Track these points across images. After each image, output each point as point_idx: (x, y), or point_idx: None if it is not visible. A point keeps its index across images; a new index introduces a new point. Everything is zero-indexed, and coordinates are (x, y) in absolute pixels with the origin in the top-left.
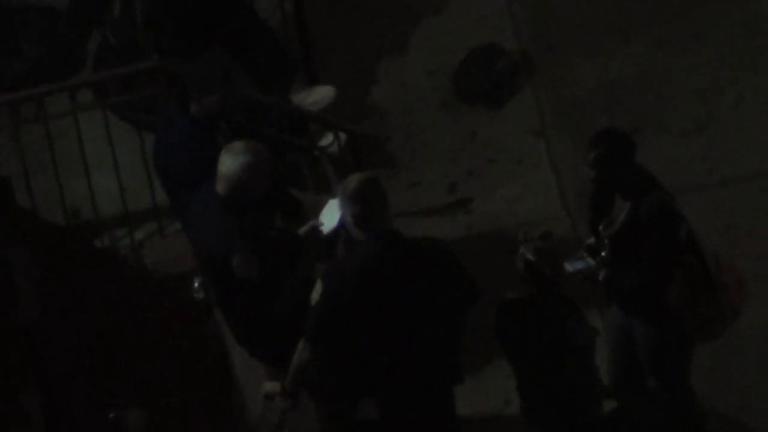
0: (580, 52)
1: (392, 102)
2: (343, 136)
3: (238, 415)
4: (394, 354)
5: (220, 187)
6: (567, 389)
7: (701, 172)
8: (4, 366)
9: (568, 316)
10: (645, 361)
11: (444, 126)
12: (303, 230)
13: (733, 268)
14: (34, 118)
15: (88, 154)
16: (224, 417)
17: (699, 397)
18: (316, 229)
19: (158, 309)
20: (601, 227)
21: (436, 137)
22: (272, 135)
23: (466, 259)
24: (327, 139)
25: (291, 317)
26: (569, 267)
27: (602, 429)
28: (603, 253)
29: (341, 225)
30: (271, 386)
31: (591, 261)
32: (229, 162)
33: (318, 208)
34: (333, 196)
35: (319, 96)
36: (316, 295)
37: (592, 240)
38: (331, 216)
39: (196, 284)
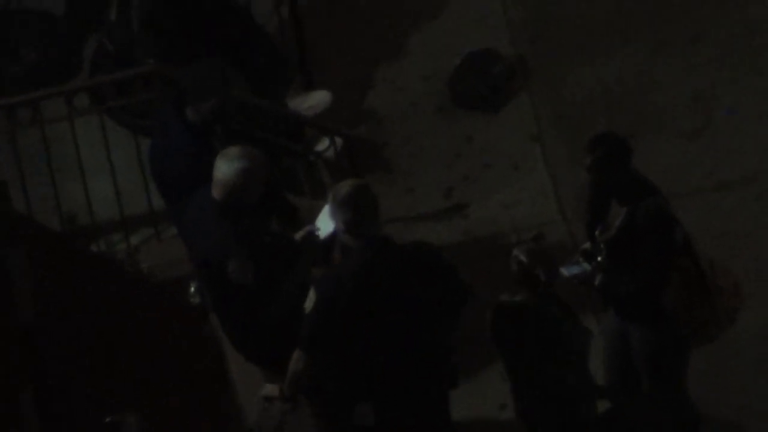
0: (577, 57)
1: (388, 107)
2: (339, 141)
3: (235, 418)
4: (389, 360)
5: (216, 192)
6: (562, 391)
7: (698, 176)
8: (1, 367)
9: (563, 320)
10: (641, 365)
11: (440, 131)
12: (299, 235)
13: (728, 272)
14: (30, 122)
15: (84, 158)
16: (221, 420)
17: (695, 401)
18: (312, 234)
19: (155, 313)
20: (597, 232)
21: (432, 142)
22: (268, 140)
23: (463, 264)
24: (323, 144)
25: (287, 322)
26: (565, 272)
27: (597, 430)
28: (599, 258)
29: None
30: (270, 389)
31: (587, 266)
32: (225, 167)
33: (314, 213)
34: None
35: (315, 101)
36: (309, 303)
37: (588, 245)
38: (327, 221)
39: (192, 289)
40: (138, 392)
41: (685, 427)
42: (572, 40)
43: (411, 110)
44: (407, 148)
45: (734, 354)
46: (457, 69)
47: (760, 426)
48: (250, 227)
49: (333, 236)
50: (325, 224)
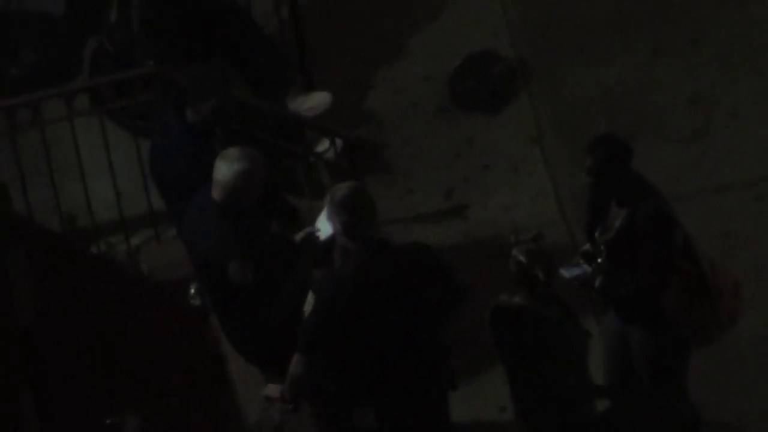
0: (577, 59)
1: (388, 108)
2: (339, 142)
3: (235, 418)
4: (389, 361)
5: (216, 194)
6: (562, 392)
7: (698, 179)
8: (1, 367)
9: (563, 321)
10: (641, 367)
11: (440, 132)
12: (299, 236)
13: (728, 273)
14: (30, 123)
15: (84, 159)
16: (221, 421)
17: (696, 403)
18: (312, 235)
19: (155, 314)
20: (597, 233)
21: (432, 143)
22: (268, 141)
23: (463, 265)
24: (323, 145)
25: (287, 323)
26: (566, 273)
27: (597, 430)
28: (599, 260)
29: None
30: (271, 389)
31: (587, 267)
32: (225, 168)
33: (314, 214)
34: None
35: (315, 102)
36: (308, 307)
37: (588, 246)
38: (327, 222)
39: (193, 290)
40: (138, 393)
41: (685, 428)
42: (572, 42)
43: (411, 111)
44: (407, 149)
45: (734, 355)
46: (457, 70)
47: (760, 427)
48: (250, 228)
49: (333, 237)
50: (325, 225)
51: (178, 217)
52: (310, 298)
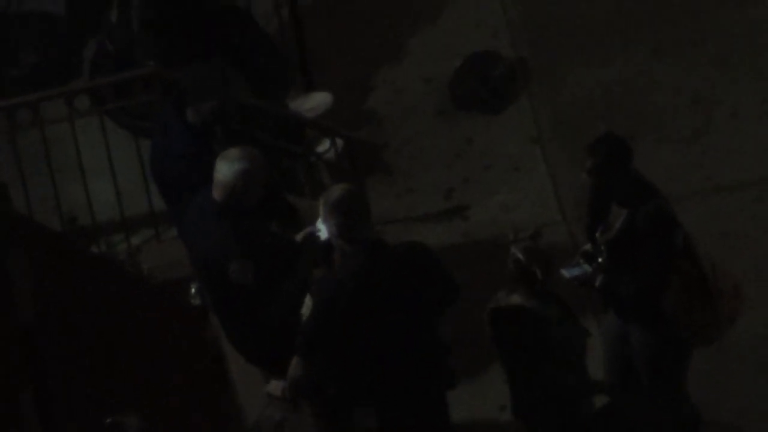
0: (577, 59)
1: (389, 108)
2: (339, 142)
3: (235, 418)
4: (389, 362)
5: (216, 194)
6: (561, 391)
7: (698, 179)
8: (1, 367)
9: (563, 320)
10: (641, 367)
11: (440, 132)
12: (299, 236)
13: (729, 274)
14: (30, 123)
15: (84, 159)
16: (221, 421)
17: (696, 403)
18: (312, 235)
19: (155, 313)
20: (597, 233)
21: (432, 144)
22: (268, 141)
23: (463, 265)
24: (323, 146)
25: (287, 323)
26: (566, 273)
27: (596, 428)
28: (600, 260)
29: None
30: (274, 386)
31: (587, 267)
32: (225, 169)
33: (314, 214)
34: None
35: (315, 102)
36: (306, 310)
37: (588, 246)
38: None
39: (193, 290)
40: (138, 392)
41: (685, 428)
42: (572, 42)
43: (411, 112)
44: (407, 150)
45: (734, 356)
46: (458, 71)
47: (760, 427)
48: (250, 228)
49: None
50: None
51: (178, 217)
52: (308, 301)
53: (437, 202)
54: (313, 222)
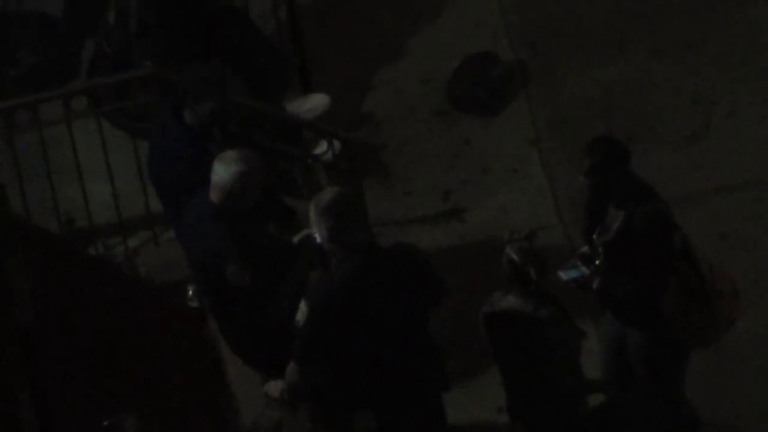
0: (575, 60)
1: (387, 110)
2: (337, 143)
3: (233, 420)
4: (384, 364)
5: (213, 196)
6: (558, 392)
7: (696, 181)
8: (0, 369)
9: (559, 322)
10: (639, 369)
11: (438, 134)
12: (297, 238)
13: (727, 276)
14: (28, 124)
15: (82, 161)
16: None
17: (694, 405)
18: (309, 237)
19: (153, 315)
20: (595, 235)
21: (430, 145)
22: (266, 143)
23: (460, 267)
24: (321, 147)
25: (284, 325)
26: (563, 275)
27: (592, 428)
28: (597, 262)
29: None
30: (272, 387)
31: (585, 269)
32: (222, 171)
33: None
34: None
35: (313, 104)
36: (301, 316)
37: (585, 248)
38: None
39: (191, 292)
40: (136, 394)
41: (684, 429)
42: (571, 43)
43: (409, 113)
44: (405, 151)
45: (733, 356)
46: (456, 72)
47: (759, 427)
48: (247, 230)
49: None
50: None
51: (175, 219)
52: (303, 307)
53: (435, 204)
54: (310, 224)
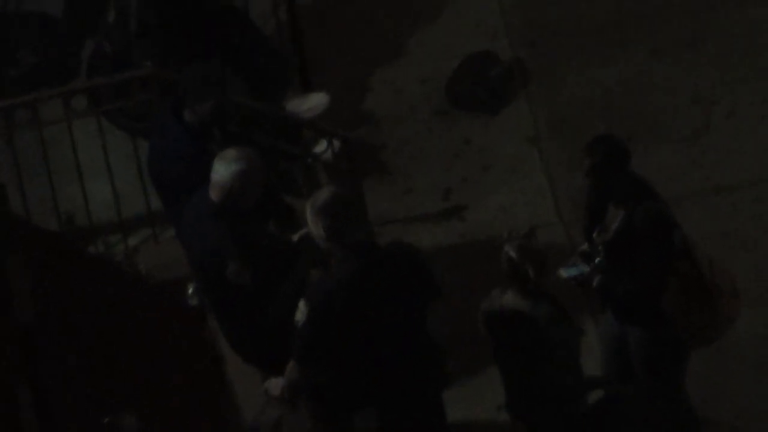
0: (575, 59)
1: (386, 109)
2: (337, 143)
3: (233, 418)
4: (384, 363)
5: (213, 195)
6: (555, 389)
7: (697, 180)
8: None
9: (560, 321)
10: (639, 367)
11: (438, 133)
12: (297, 237)
13: (727, 275)
14: (28, 124)
15: (82, 160)
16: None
17: (694, 404)
18: (310, 236)
19: (153, 314)
20: (595, 234)
21: (430, 144)
22: (266, 142)
23: (460, 266)
24: (321, 146)
25: (285, 324)
26: (563, 273)
27: (592, 426)
28: (597, 260)
29: None
30: (272, 385)
31: (585, 268)
32: (222, 170)
33: None
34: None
35: (313, 103)
36: (301, 315)
37: (586, 246)
38: None
39: (191, 290)
40: (136, 393)
41: (684, 428)
42: (571, 42)
43: (409, 112)
44: (405, 151)
45: (734, 355)
46: (456, 71)
47: (760, 427)
48: (247, 229)
49: None
50: None
51: (175, 218)
52: (302, 306)
53: (435, 203)
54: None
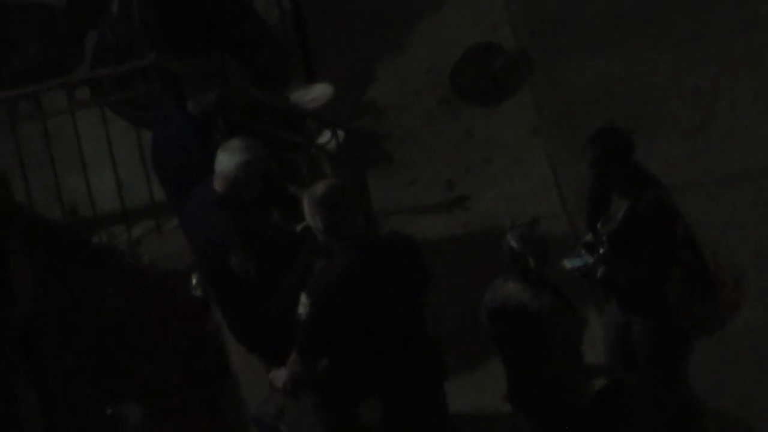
0: (578, 51)
1: (390, 99)
2: (340, 133)
3: (237, 408)
4: (385, 354)
5: (217, 185)
6: (558, 379)
7: (700, 170)
8: (1, 360)
9: (563, 311)
10: (643, 357)
11: (442, 124)
12: (300, 227)
13: (730, 264)
14: (31, 115)
15: (85, 151)
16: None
17: (698, 393)
18: None
19: (156, 305)
20: (599, 224)
21: (433, 135)
22: (269, 132)
23: (463, 257)
24: (325, 137)
25: (288, 314)
26: (568, 264)
27: (594, 416)
28: (601, 250)
29: None
30: (277, 376)
31: (589, 258)
32: (226, 160)
33: None
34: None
35: (317, 93)
36: (302, 309)
37: (590, 237)
38: None
39: (194, 281)
40: (139, 384)
41: (688, 417)
42: (574, 34)
43: (413, 103)
44: (409, 141)
45: (736, 345)
46: (459, 62)
47: (763, 416)
48: (251, 219)
49: None
50: None
51: (179, 209)
52: (303, 299)
53: (438, 194)
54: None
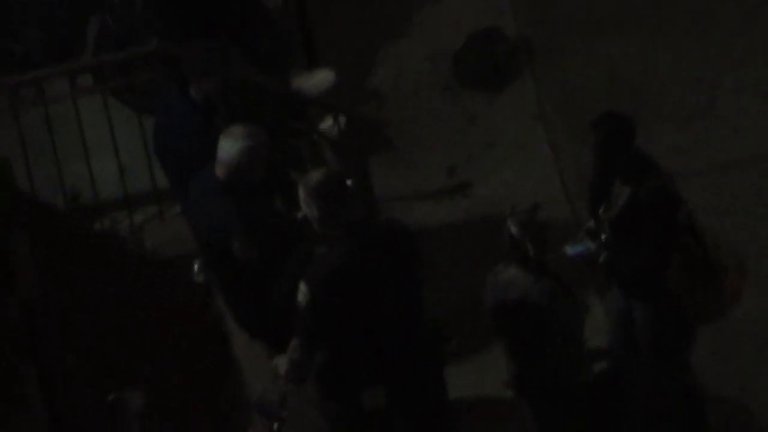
0: (580, 37)
1: (392, 86)
2: (342, 119)
3: (239, 394)
4: (385, 341)
5: (219, 171)
6: (559, 365)
7: (702, 156)
8: (4, 347)
9: (559, 297)
10: (645, 343)
11: (443, 110)
12: (302, 214)
13: (732, 251)
14: (33, 101)
15: (87, 137)
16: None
17: (700, 380)
18: None
19: (159, 290)
20: (600, 210)
21: (435, 121)
22: (271, 119)
23: (465, 243)
24: (327, 123)
25: (290, 300)
26: (569, 250)
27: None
28: (603, 236)
29: None
30: (280, 363)
31: (591, 244)
32: (228, 146)
33: None
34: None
35: (318, 80)
36: (302, 297)
37: (591, 223)
38: None
39: (197, 267)
40: (142, 370)
41: (689, 404)
42: (576, 20)
43: (414, 89)
44: (411, 127)
45: (738, 331)
46: (461, 48)
47: (764, 403)
48: (253, 206)
49: None
50: None
51: (181, 195)
52: (302, 288)
53: (440, 180)
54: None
